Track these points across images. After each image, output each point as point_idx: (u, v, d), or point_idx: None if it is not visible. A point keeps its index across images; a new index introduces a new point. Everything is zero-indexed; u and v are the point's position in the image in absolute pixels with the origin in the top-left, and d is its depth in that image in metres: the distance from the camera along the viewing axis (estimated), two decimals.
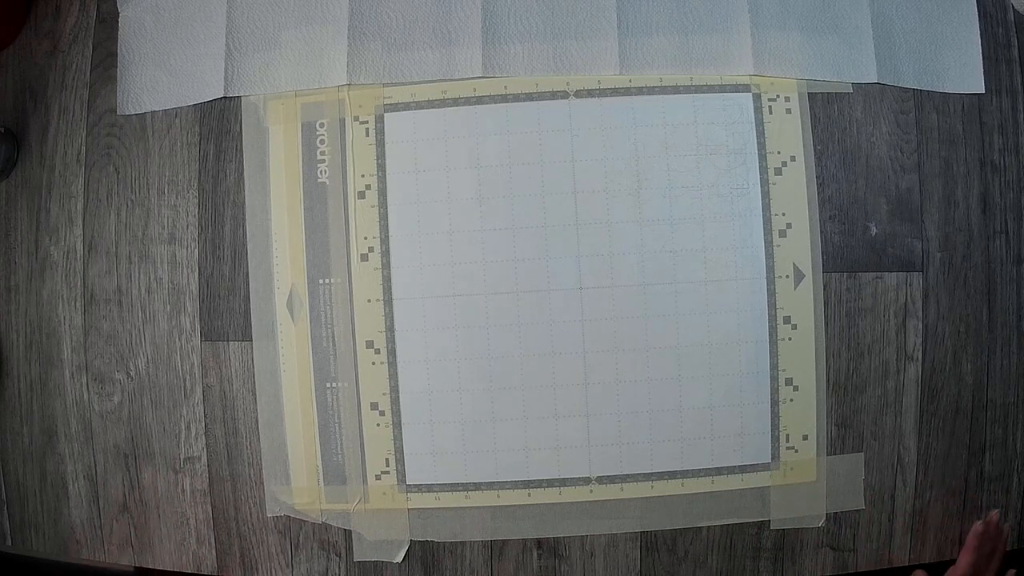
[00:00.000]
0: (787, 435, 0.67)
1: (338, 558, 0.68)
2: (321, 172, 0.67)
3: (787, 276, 0.67)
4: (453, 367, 0.67)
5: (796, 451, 0.67)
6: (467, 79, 0.67)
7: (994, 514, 0.65)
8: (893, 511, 0.67)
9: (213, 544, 0.68)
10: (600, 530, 0.67)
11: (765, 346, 0.66)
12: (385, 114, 0.67)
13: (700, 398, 0.66)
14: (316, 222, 0.67)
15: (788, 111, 0.67)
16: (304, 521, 0.68)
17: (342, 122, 0.67)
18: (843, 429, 0.67)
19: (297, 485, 0.68)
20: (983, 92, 0.68)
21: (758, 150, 0.67)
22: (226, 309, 0.68)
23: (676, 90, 0.67)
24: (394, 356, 0.67)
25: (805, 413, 0.67)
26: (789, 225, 0.67)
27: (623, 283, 0.66)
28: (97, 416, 0.69)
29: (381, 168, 0.67)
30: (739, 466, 0.67)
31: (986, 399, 0.68)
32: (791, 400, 0.67)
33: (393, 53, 0.67)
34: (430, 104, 0.67)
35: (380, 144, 0.67)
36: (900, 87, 0.68)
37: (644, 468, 0.67)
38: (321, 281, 0.67)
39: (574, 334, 0.66)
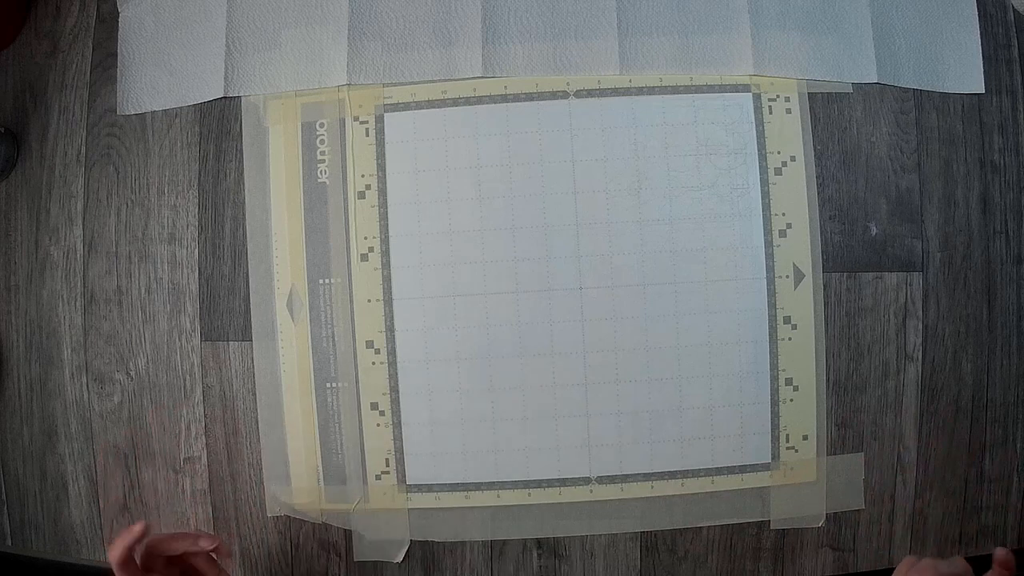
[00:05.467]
0: (787, 435, 0.67)
1: (338, 558, 0.68)
2: (321, 172, 0.67)
3: (787, 276, 0.67)
4: (453, 367, 0.67)
5: (796, 451, 0.67)
6: (467, 79, 0.67)
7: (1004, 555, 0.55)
8: (893, 511, 0.67)
9: None
10: (600, 530, 0.67)
11: (765, 346, 0.66)
12: (385, 114, 0.67)
13: (700, 398, 0.66)
14: (316, 222, 0.67)
15: (788, 111, 0.67)
16: (304, 521, 0.68)
17: (342, 122, 0.67)
18: (843, 429, 0.67)
19: (297, 485, 0.68)
20: (983, 92, 0.68)
21: (758, 150, 0.67)
22: (226, 309, 0.68)
23: (676, 90, 0.67)
24: (394, 356, 0.67)
25: (805, 413, 0.67)
26: (789, 225, 0.67)
27: (623, 283, 0.66)
28: (97, 416, 0.69)
29: (381, 168, 0.67)
30: (739, 466, 0.67)
31: (986, 399, 0.68)
32: (791, 400, 0.67)
33: (393, 53, 0.67)
34: (430, 104, 0.67)
35: (380, 144, 0.67)
36: (900, 87, 0.68)
37: (644, 468, 0.67)
38: (321, 281, 0.67)
39: (574, 334, 0.66)
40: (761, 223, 0.67)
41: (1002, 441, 0.68)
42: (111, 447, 0.69)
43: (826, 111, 0.67)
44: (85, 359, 0.69)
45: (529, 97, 0.67)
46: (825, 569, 0.67)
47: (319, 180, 0.67)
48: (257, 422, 0.68)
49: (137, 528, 0.57)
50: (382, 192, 0.67)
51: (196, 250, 0.69)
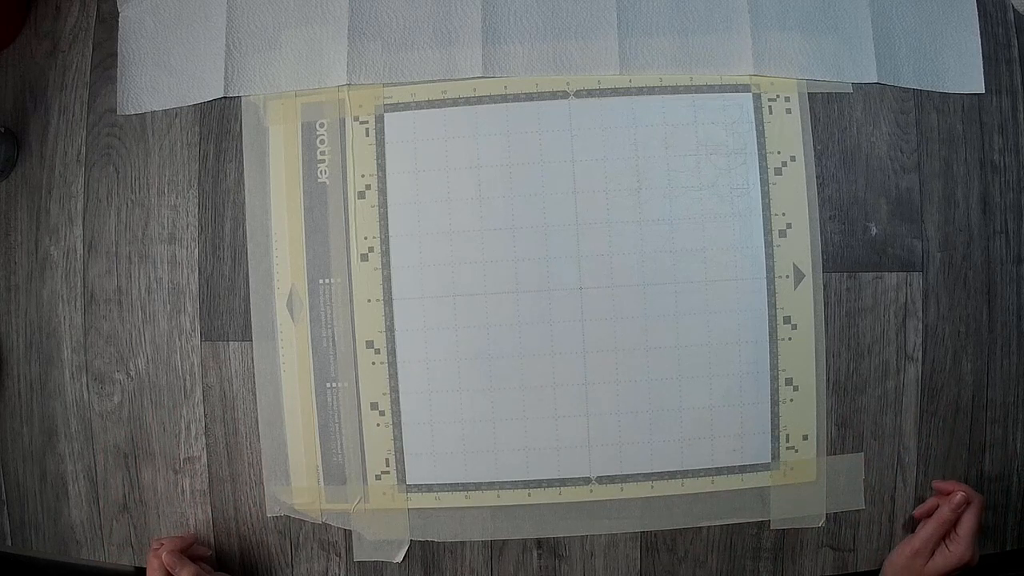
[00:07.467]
0: (787, 435, 0.67)
1: (338, 558, 0.68)
2: (321, 172, 0.67)
3: (787, 276, 0.67)
4: (453, 367, 0.67)
5: (796, 451, 0.67)
6: (467, 79, 0.67)
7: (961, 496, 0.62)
8: (893, 511, 0.67)
9: (213, 544, 0.68)
10: (600, 530, 0.67)
11: (765, 346, 0.66)
12: (385, 114, 0.67)
13: (700, 398, 0.66)
14: (316, 222, 0.67)
15: (788, 111, 0.67)
16: (304, 521, 0.68)
17: (342, 122, 0.67)
18: (843, 429, 0.67)
19: (297, 485, 0.68)
20: (983, 92, 0.68)
21: (758, 150, 0.67)
22: (226, 309, 0.68)
23: (676, 90, 0.67)
24: (394, 356, 0.67)
25: (805, 413, 0.67)
26: (789, 225, 0.67)
27: (623, 283, 0.66)
28: (97, 416, 0.69)
29: (381, 168, 0.67)
30: (739, 466, 0.67)
31: (986, 399, 0.68)
32: (791, 400, 0.67)
33: (393, 53, 0.67)
34: (430, 104, 0.67)
35: (380, 144, 0.67)
36: (900, 87, 0.68)
37: (644, 468, 0.67)
38: (321, 281, 0.67)
39: (574, 334, 0.66)
40: (761, 223, 0.67)
41: (1002, 441, 0.68)
42: (111, 447, 0.69)
43: (826, 111, 0.67)
44: (85, 359, 0.69)
45: (529, 97, 0.67)
46: (825, 569, 0.67)
47: (319, 180, 0.67)
48: (257, 422, 0.68)
49: (190, 534, 0.66)
50: (382, 192, 0.67)
51: (196, 250, 0.69)
